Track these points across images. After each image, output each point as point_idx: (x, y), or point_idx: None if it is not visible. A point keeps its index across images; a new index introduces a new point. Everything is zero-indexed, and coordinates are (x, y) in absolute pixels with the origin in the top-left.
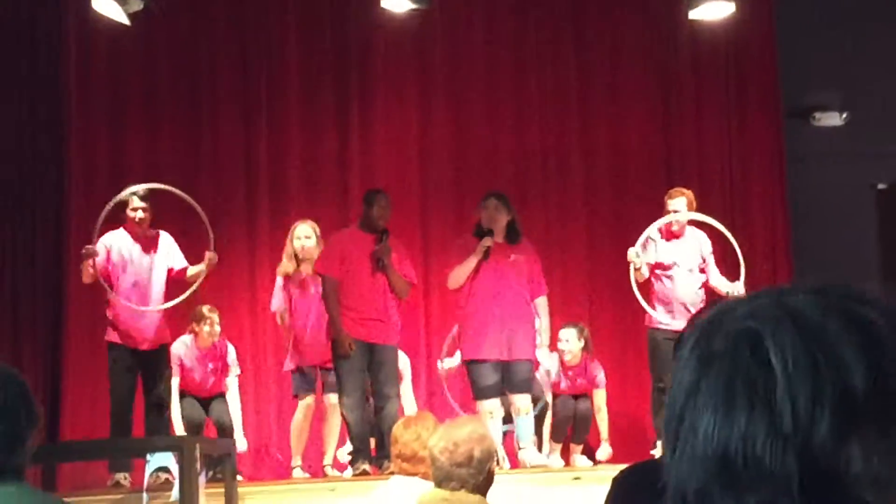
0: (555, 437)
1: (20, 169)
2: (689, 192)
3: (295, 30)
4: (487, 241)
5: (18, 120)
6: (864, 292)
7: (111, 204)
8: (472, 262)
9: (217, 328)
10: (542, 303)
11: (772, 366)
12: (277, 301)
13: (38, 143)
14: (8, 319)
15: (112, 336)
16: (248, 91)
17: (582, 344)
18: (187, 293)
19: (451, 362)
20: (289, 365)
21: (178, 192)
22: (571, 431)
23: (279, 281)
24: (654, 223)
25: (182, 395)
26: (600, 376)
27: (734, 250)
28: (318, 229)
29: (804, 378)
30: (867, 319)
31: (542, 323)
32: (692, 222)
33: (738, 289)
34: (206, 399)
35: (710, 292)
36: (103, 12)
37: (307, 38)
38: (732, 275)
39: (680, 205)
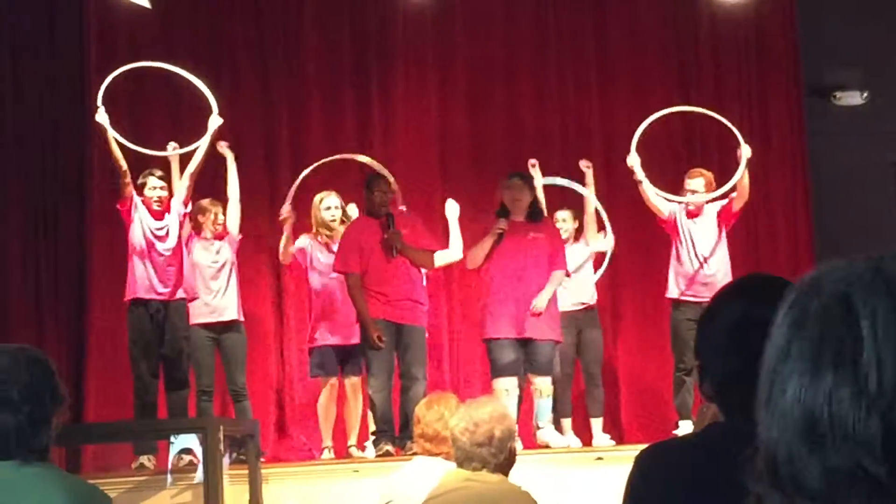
0: (560, 407)
1: (42, 152)
2: (709, 174)
3: (314, 12)
4: (501, 225)
5: (41, 102)
6: None
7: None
8: (486, 244)
9: (221, 218)
10: (556, 276)
11: (861, 329)
12: (290, 251)
13: (60, 126)
14: (31, 302)
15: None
16: (268, 74)
17: (576, 224)
18: (198, 157)
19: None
20: (313, 340)
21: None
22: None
23: (306, 239)
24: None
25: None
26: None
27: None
28: (341, 199)
29: (892, 344)
30: None
31: (546, 290)
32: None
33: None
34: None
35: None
36: None
37: (326, 20)
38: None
39: (698, 185)
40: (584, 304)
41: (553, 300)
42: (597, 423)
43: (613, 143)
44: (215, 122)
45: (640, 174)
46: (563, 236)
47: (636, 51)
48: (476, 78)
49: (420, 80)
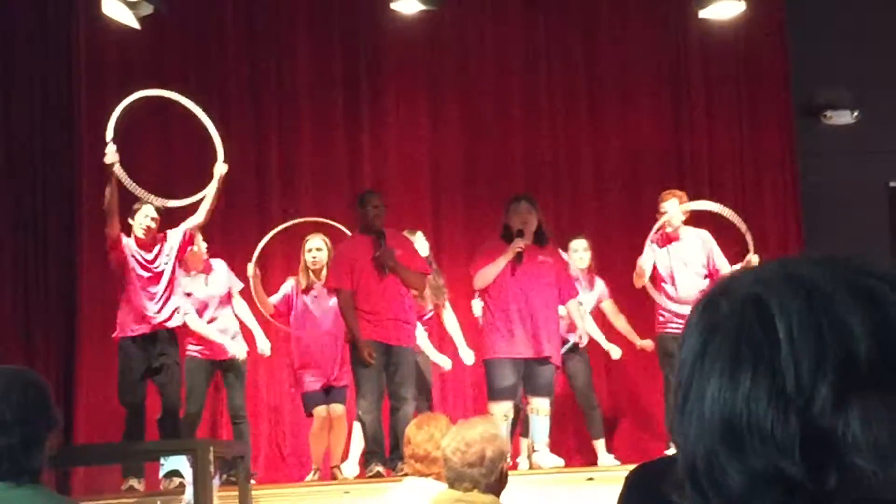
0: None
1: (33, 171)
2: (682, 194)
3: (305, 33)
4: (520, 244)
5: (31, 123)
6: (873, 263)
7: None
8: (501, 263)
9: (203, 246)
10: (573, 306)
11: (776, 330)
12: (276, 298)
13: (49, 145)
14: (21, 323)
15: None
16: (259, 94)
17: (590, 254)
18: (205, 205)
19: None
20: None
21: (185, 101)
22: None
23: (291, 283)
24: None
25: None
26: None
27: (743, 239)
28: (328, 241)
29: (808, 342)
30: (874, 288)
31: (577, 323)
32: (690, 220)
33: (751, 261)
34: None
35: None
36: (113, 16)
37: (317, 41)
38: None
39: (671, 207)
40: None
41: (556, 321)
42: (600, 445)
43: (603, 162)
44: (221, 169)
45: (646, 270)
46: (582, 265)
47: (627, 72)
48: (467, 103)
49: (411, 105)
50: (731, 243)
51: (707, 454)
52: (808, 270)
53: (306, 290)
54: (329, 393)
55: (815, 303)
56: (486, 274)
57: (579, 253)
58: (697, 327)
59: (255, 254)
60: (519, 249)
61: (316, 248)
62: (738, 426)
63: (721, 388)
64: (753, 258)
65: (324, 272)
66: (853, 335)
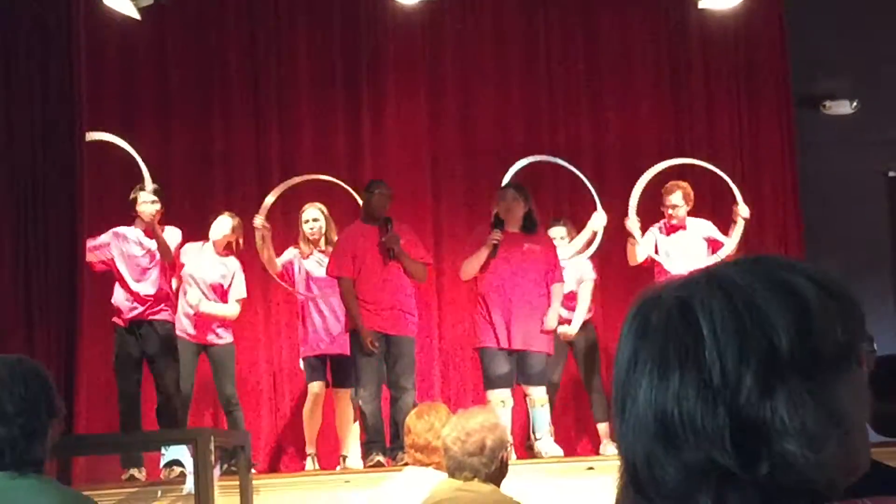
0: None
1: (32, 167)
2: (686, 184)
3: (305, 23)
4: (496, 236)
5: (30, 117)
6: (795, 261)
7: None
8: (482, 255)
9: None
10: (556, 290)
11: (701, 328)
12: (281, 261)
13: (49, 139)
14: (21, 311)
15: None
16: (259, 86)
17: (568, 240)
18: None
19: None
20: (303, 352)
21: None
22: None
23: (293, 252)
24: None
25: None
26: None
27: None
28: (325, 209)
29: (731, 337)
30: (793, 283)
31: (552, 308)
32: (693, 213)
33: (740, 213)
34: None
35: None
36: (114, 7)
37: (317, 32)
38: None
39: (677, 199)
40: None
41: (546, 309)
42: (602, 428)
43: (604, 157)
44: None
45: (638, 237)
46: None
47: (626, 63)
48: (466, 91)
49: (411, 96)
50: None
51: (645, 454)
52: (729, 272)
53: (306, 256)
54: (332, 369)
55: (737, 299)
56: (469, 266)
57: (556, 241)
58: (629, 335)
59: (267, 203)
60: (495, 241)
61: (313, 219)
62: (670, 423)
63: (652, 389)
64: (742, 209)
65: (322, 241)
66: (774, 326)
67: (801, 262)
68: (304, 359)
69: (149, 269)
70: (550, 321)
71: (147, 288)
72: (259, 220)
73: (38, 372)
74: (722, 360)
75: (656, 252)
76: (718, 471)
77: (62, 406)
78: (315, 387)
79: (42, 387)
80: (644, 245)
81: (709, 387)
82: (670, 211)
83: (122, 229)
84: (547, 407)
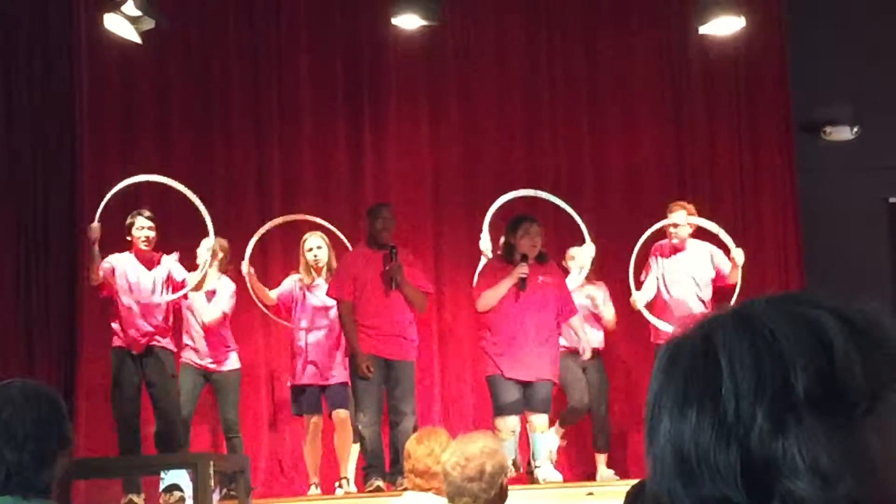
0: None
1: (33, 186)
2: (690, 206)
3: (306, 46)
4: (524, 269)
5: (32, 139)
6: (822, 298)
7: (119, 187)
8: (504, 287)
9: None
10: (576, 322)
11: (720, 363)
12: (279, 293)
13: (50, 160)
14: (21, 336)
15: (116, 341)
16: (261, 108)
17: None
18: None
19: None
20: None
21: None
22: (591, 433)
23: (293, 279)
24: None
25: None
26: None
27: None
28: (326, 238)
29: (747, 373)
30: (817, 321)
31: (581, 338)
32: (696, 234)
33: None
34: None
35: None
36: (115, 31)
37: (319, 55)
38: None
39: (679, 218)
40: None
41: (556, 342)
42: (601, 459)
43: (605, 176)
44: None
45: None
46: (577, 270)
47: (627, 85)
48: (468, 112)
49: (412, 115)
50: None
51: (667, 489)
52: (755, 309)
53: (309, 288)
54: (328, 396)
55: (757, 336)
56: (489, 298)
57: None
58: (657, 371)
59: (248, 251)
60: (522, 275)
61: (316, 247)
62: (688, 459)
63: (672, 423)
64: (737, 254)
65: (325, 271)
66: (792, 364)
67: (834, 299)
68: (294, 389)
69: (152, 297)
70: (587, 354)
71: (152, 317)
72: (245, 267)
73: (53, 399)
74: (737, 396)
75: (658, 290)
76: None
77: (73, 437)
78: (313, 418)
79: (55, 414)
80: (647, 291)
81: (723, 423)
82: (672, 230)
83: (123, 257)
84: (548, 433)
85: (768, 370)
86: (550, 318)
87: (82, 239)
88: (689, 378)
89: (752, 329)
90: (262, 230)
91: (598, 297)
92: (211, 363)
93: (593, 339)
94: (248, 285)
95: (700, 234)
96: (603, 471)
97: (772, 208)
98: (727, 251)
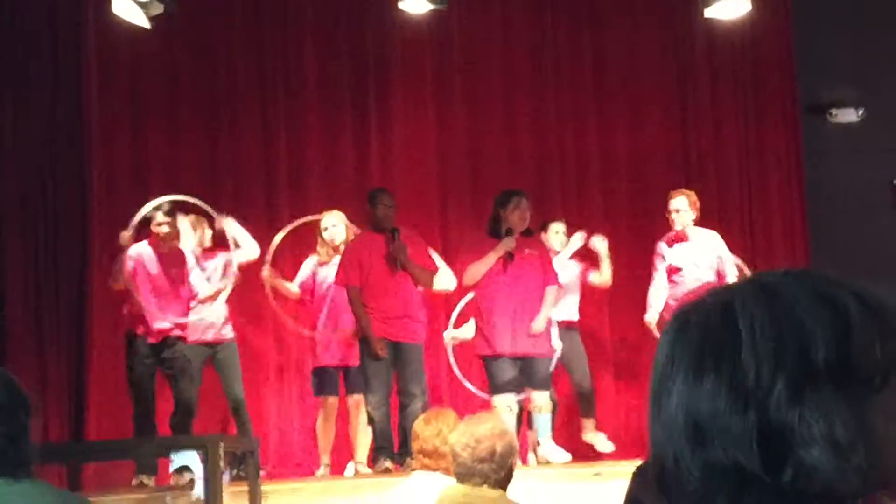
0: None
1: (42, 177)
2: (691, 193)
3: (312, 32)
4: (511, 243)
5: (41, 124)
6: (839, 277)
7: (136, 220)
8: (491, 260)
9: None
10: (550, 291)
11: (739, 330)
12: (301, 278)
13: (59, 149)
14: (32, 318)
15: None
16: (267, 94)
17: (567, 238)
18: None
19: (459, 333)
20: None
21: (202, 203)
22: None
23: (309, 263)
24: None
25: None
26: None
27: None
28: (345, 217)
29: (768, 342)
30: (838, 298)
31: (544, 310)
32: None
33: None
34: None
35: None
36: (124, 16)
37: (324, 40)
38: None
39: (679, 204)
40: (566, 321)
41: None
42: (589, 424)
43: (611, 163)
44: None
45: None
46: (557, 248)
47: (633, 70)
48: (474, 100)
49: (418, 103)
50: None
51: (674, 455)
52: (777, 280)
53: (324, 263)
54: (347, 379)
55: (778, 307)
56: (475, 271)
57: (559, 235)
58: (667, 334)
59: (269, 256)
60: (509, 249)
61: (332, 225)
62: (700, 423)
63: (686, 388)
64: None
65: (342, 248)
66: (812, 338)
67: (849, 279)
68: (316, 369)
69: (171, 292)
70: (538, 324)
71: (171, 309)
72: (266, 271)
73: (7, 378)
74: (757, 363)
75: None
76: (740, 474)
77: (34, 402)
78: (330, 399)
79: (14, 392)
80: (654, 307)
81: (741, 388)
82: (673, 216)
83: (142, 249)
84: (549, 413)
85: (789, 339)
86: (539, 290)
87: (92, 226)
88: (707, 343)
89: (773, 298)
90: (279, 236)
91: (602, 250)
92: (216, 335)
93: (569, 310)
94: (268, 287)
95: (704, 223)
96: (592, 437)
97: (778, 191)
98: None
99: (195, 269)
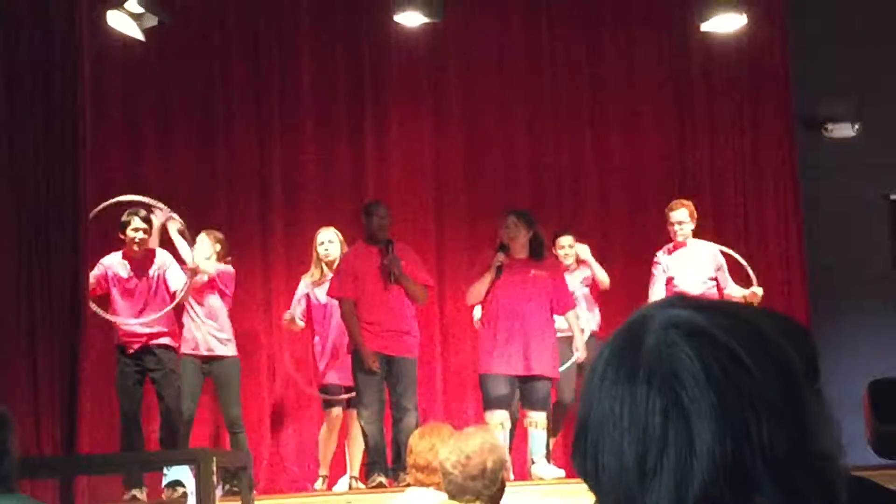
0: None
1: (35, 189)
2: (690, 203)
3: (308, 44)
4: (499, 258)
5: (34, 131)
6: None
7: (101, 207)
8: (487, 279)
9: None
10: (572, 316)
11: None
12: (294, 305)
13: (52, 160)
14: (24, 333)
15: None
16: (262, 106)
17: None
18: (172, 304)
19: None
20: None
21: (158, 204)
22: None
23: (301, 287)
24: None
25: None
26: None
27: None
28: (340, 234)
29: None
30: (790, 319)
31: (576, 337)
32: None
33: (756, 293)
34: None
35: None
36: (118, 28)
37: (320, 53)
38: (746, 283)
39: (682, 216)
40: (563, 331)
41: (552, 336)
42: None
43: (607, 176)
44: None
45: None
46: (567, 262)
47: (630, 84)
48: (470, 111)
49: (414, 117)
50: (733, 268)
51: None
52: (745, 314)
53: (319, 283)
54: (348, 391)
55: (763, 339)
56: (475, 290)
57: (565, 250)
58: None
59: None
60: (499, 263)
61: (328, 241)
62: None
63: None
64: (758, 290)
65: (336, 263)
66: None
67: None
68: (323, 385)
69: (146, 299)
70: (582, 353)
71: (147, 317)
72: (288, 316)
73: None
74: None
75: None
76: None
77: (10, 415)
78: (334, 411)
79: None
80: (657, 293)
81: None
82: (676, 227)
83: (113, 258)
84: (545, 431)
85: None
86: (545, 312)
87: (85, 237)
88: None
89: (760, 335)
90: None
91: (586, 256)
92: (209, 350)
93: (592, 323)
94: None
95: (699, 236)
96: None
97: (774, 205)
98: (747, 282)
99: (172, 266)
